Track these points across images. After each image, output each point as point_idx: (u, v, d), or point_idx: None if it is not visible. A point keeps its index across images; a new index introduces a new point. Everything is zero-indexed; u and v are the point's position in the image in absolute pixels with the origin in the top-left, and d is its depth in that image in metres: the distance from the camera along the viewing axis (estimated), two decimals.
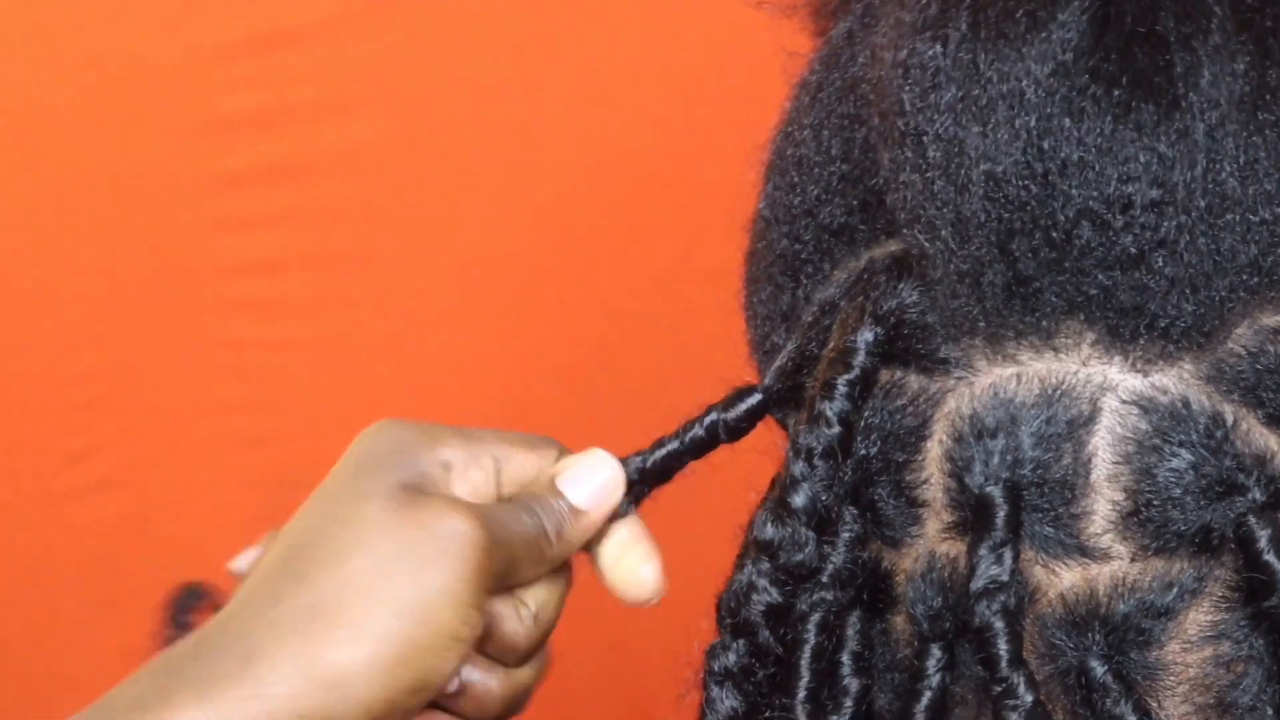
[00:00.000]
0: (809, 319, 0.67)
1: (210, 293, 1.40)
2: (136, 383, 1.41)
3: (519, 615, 0.67)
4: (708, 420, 0.68)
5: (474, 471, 0.67)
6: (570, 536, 0.67)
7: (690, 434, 0.69)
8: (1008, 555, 0.61)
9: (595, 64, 1.36)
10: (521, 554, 0.66)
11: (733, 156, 1.35)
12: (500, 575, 0.65)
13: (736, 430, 0.68)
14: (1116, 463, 0.62)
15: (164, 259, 1.40)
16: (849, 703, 0.65)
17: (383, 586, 0.63)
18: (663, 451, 0.69)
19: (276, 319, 1.40)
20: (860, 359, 0.64)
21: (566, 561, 0.69)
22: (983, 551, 0.61)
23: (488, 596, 0.64)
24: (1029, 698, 0.61)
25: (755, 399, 0.68)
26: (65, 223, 1.41)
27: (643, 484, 0.69)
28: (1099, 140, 0.61)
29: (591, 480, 0.68)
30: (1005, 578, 0.61)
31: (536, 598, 0.68)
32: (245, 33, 1.37)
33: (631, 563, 0.69)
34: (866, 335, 0.64)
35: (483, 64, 1.37)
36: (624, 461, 0.69)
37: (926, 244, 0.63)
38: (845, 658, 0.65)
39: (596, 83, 1.36)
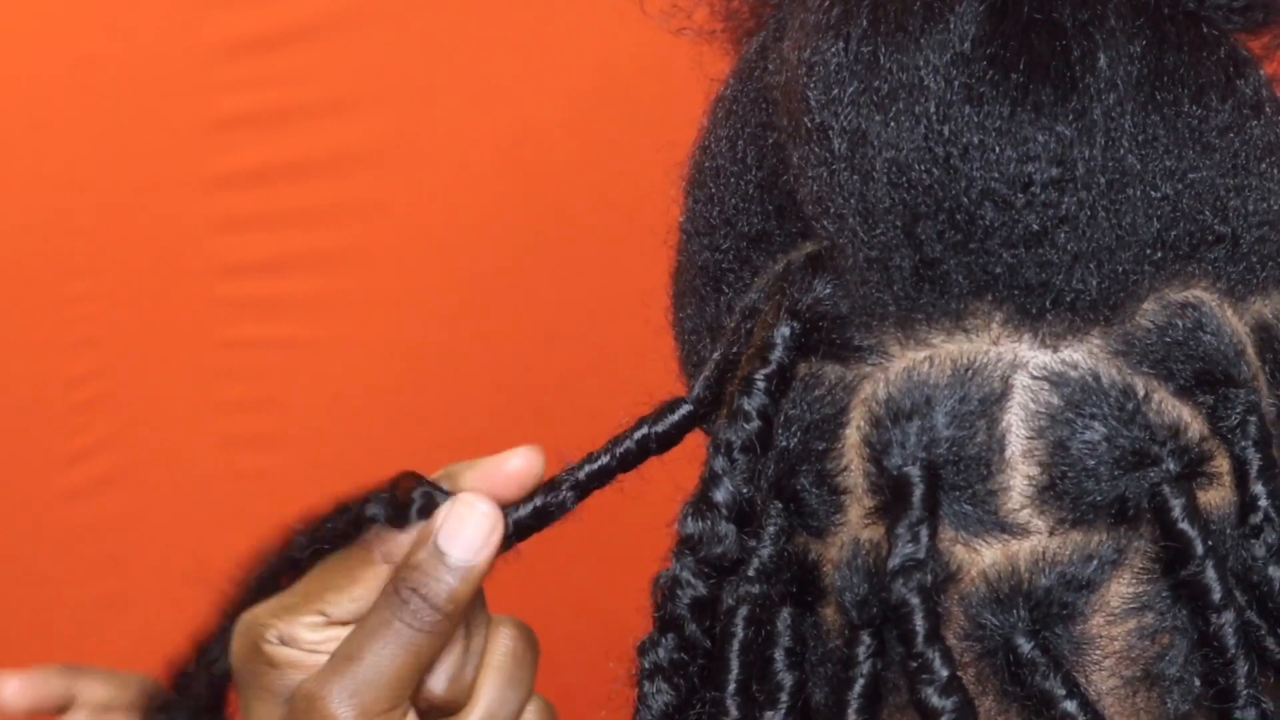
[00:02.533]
0: (732, 325, 0.68)
1: (210, 293, 1.40)
2: (136, 383, 1.41)
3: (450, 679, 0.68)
4: (638, 434, 0.69)
5: (306, 634, 0.67)
6: (458, 596, 0.68)
7: (621, 448, 0.69)
8: (924, 533, 0.62)
9: (595, 64, 1.36)
10: (396, 667, 0.66)
11: None
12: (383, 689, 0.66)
13: (666, 441, 0.69)
14: (1030, 438, 0.62)
15: (164, 259, 1.40)
16: (784, 698, 0.65)
17: None
18: (594, 466, 0.70)
19: (276, 319, 1.40)
20: (777, 354, 0.65)
21: (478, 611, 0.70)
22: (899, 530, 0.62)
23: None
24: (944, 672, 0.61)
25: (684, 410, 0.69)
26: (65, 222, 1.41)
27: (577, 499, 0.70)
28: (998, 123, 0.63)
29: (465, 531, 0.68)
30: (921, 555, 0.62)
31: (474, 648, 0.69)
32: (245, 33, 1.37)
33: None
34: (783, 330, 0.65)
35: (483, 64, 1.37)
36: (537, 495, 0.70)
37: (835, 234, 0.64)
38: (778, 654, 0.65)
39: (597, 83, 1.36)
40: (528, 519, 0.70)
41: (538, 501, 0.70)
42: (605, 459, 0.69)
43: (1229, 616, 0.62)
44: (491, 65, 1.37)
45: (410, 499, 0.68)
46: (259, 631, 0.66)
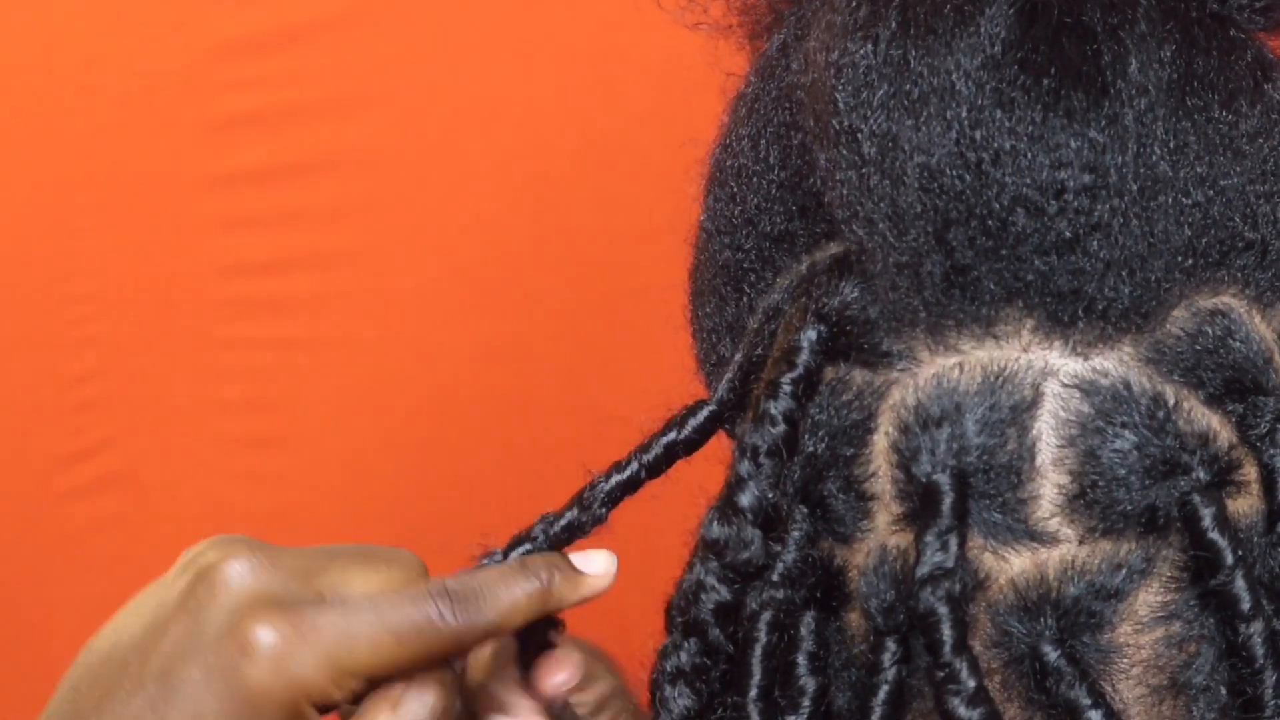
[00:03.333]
0: (754, 326, 0.68)
1: (210, 293, 1.40)
2: (136, 383, 1.41)
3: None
4: (664, 440, 0.69)
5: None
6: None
7: (648, 456, 0.69)
8: (953, 542, 0.62)
9: (595, 64, 1.36)
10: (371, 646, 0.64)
11: None
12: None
13: (691, 445, 0.69)
14: (1061, 446, 0.62)
15: (164, 259, 1.40)
16: (806, 703, 0.65)
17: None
18: (623, 477, 0.69)
19: (277, 319, 1.40)
20: (804, 357, 0.65)
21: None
22: (928, 539, 0.62)
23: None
24: (971, 683, 0.61)
25: (708, 412, 0.69)
26: (65, 222, 1.41)
27: (609, 510, 0.70)
28: (1030, 129, 0.62)
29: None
30: (950, 564, 0.62)
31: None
32: (245, 33, 1.37)
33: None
34: (810, 334, 0.65)
35: (482, 64, 1.37)
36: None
37: (865, 239, 0.64)
38: (801, 658, 0.65)
39: (597, 82, 1.36)
40: (561, 535, 0.70)
41: (571, 518, 0.70)
42: (633, 468, 0.69)
43: (1258, 626, 0.62)
44: (491, 65, 1.37)
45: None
46: (300, 694, 0.65)
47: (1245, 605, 0.62)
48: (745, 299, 0.69)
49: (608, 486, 0.69)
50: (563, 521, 0.69)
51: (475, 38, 1.37)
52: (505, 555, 0.69)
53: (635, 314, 1.37)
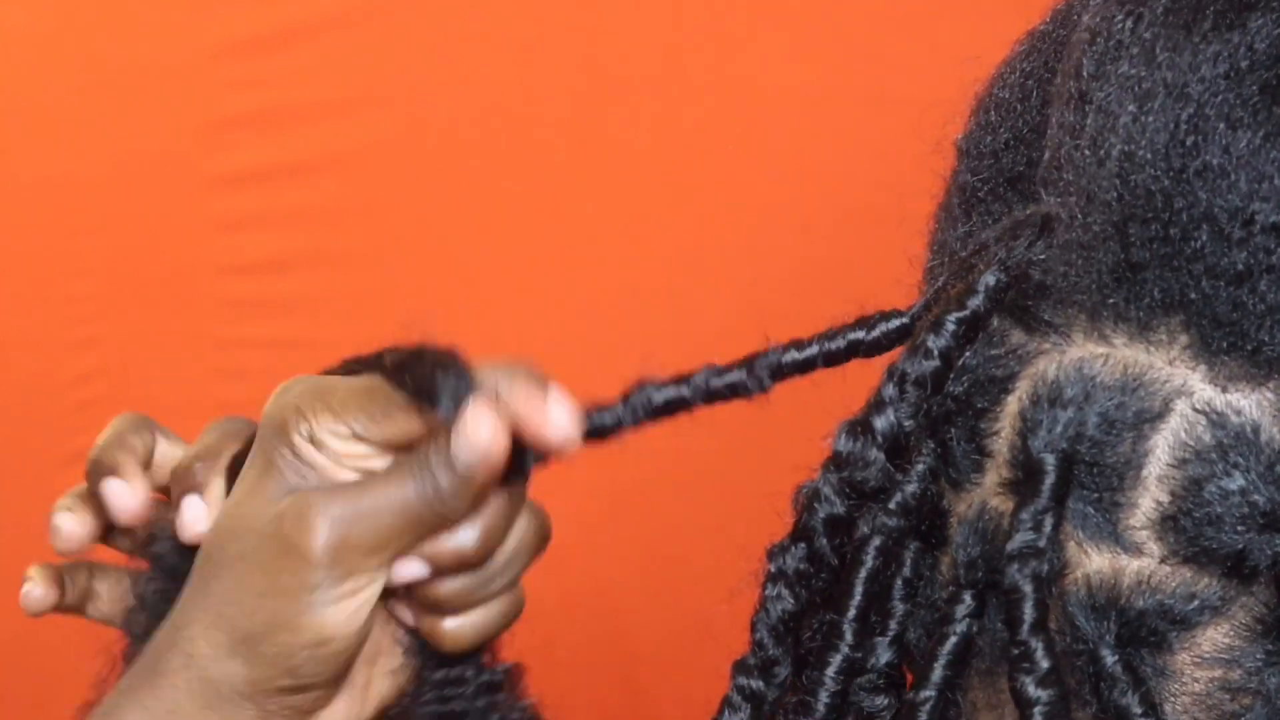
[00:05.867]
0: (963, 256, 0.68)
1: (210, 293, 1.40)
2: (136, 383, 1.41)
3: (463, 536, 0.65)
4: (850, 336, 0.68)
5: (331, 440, 0.64)
6: (462, 493, 0.65)
7: (831, 344, 0.68)
8: (1047, 523, 0.62)
9: (595, 63, 1.36)
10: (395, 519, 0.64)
11: (732, 157, 1.35)
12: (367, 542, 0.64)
13: (874, 348, 0.68)
14: (1171, 465, 0.62)
15: (164, 259, 1.40)
16: (894, 625, 0.66)
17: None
18: (801, 355, 0.68)
19: (277, 319, 1.40)
20: (976, 301, 0.65)
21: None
22: (1024, 515, 0.62)
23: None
24: (1045, 664, 0.61)
25: (897, 324, 0.68)
26: (65, 222, 1.41)
27: (773, 382, 0.67)
28: (1244, 151, 0.61)
29: (475, 439, 0.64)
30: (1041, 544, 0.62)
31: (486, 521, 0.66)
32: (245, 33, 1.37)
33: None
34: (989, 279, 0.65)
35: (483, 64, 1.37)
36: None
37: (1058, 205, 0.64)
38: (898, 582, 0.66)
39: (596, 82, 1.36)
40: (722, 390, 0.67)
41: (736, 377, 0.67)
42: (812, 350, 0.68)
43: None
44: (491, 65, 1.37)
45: (438, 387, 0.66)
46: (290, 417, 0.65)
47: None
48: (970, 226, 0.69)
49: (782, 359, 0.68)
50: (726, 379, 0.67)
51: (475, 38, 1.37)
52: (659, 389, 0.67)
53: (635, 313, 1.37)
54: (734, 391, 0.67)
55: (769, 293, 1.29)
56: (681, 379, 0.67)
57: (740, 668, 0.67)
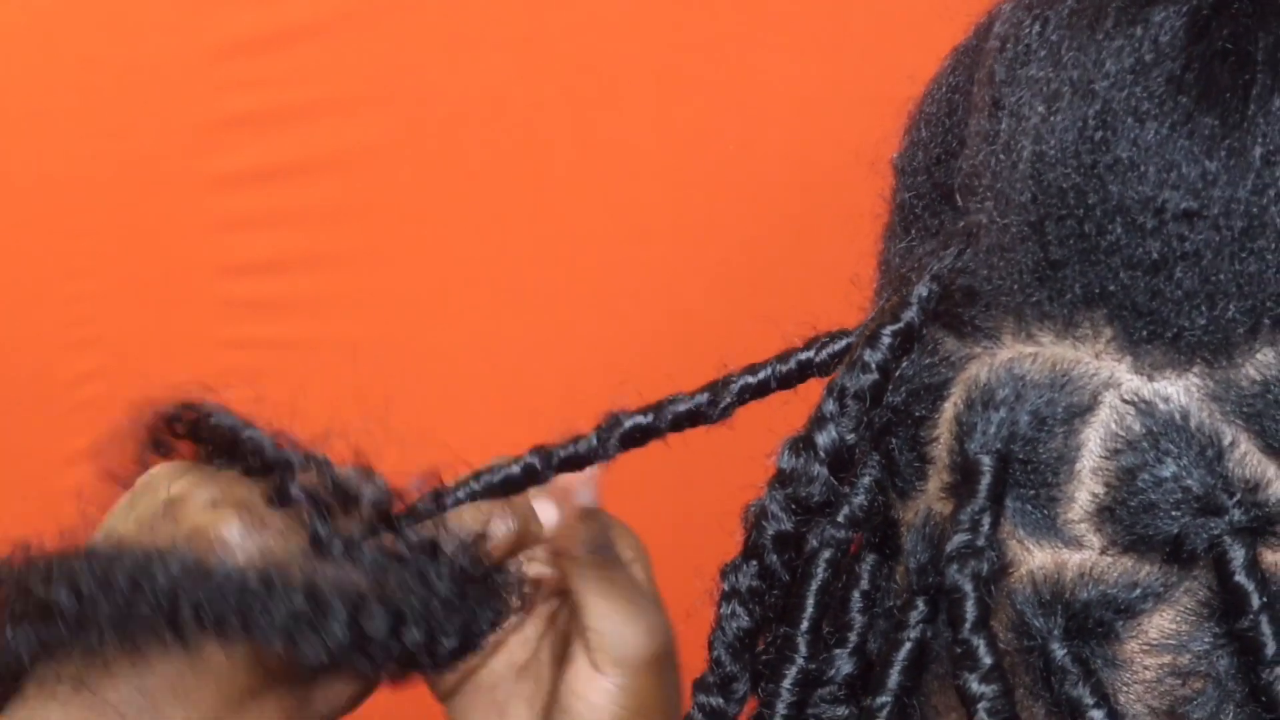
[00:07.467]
0: (901, 272, 0.68)
1: (210, 293, 1.40)
2: (136, 383, 1.41)
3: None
4: (800, 357, 0.70)
5: None
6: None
7: (783, 366, 0.70)
8: (985, 522, 0.63)
9: (595, 64, 1.36)
10: None
11: (731, 155, 1.35)
12: None
13: (824, 369, 0.70)
14: (1103, 457, 0.62)
15: (164, 258, 1.40)
16: (853, 637, 0.66)
17: None
18: (755, 379, 0.70)
19: (277, 319, 1.40)
20: (910, 314, 0.66)
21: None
22: (962, 516, 0.63)
23: None
24: (987, 661, 0.62)
25: (844, 343, 0.69)
26: (65, 222, 1.41)
27: (735, 407, 0.70)
28: (1151, 143, 0.62)
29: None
30: (979, 544, 0.63)
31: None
32: (245, 33, 1.37)
33: None
34: (920, 291, 0.66)
35: (483, 64, 1.37)
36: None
37: (975, 211, 0.65)
38: (856, 594, 0.67)
39: (597, 82, 1.36)
40: (683, 418, 0.70)
41: (697, 403, 0.70)
42: (765, 373, 0.70)
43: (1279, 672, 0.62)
44: (491, 65, 1.37)
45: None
46: None
47: (1269, 650, 0.61)
48: (909, 243, 0.69)
49: (737, 385, 0.70)
50: (687, 405, 0.70)
51: (475, 38, 1.37)
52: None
53: (634, 313, 1.37)
54: (695, 419, 0.70)
55: (769, 293, 1.29)
56: (648, 408, 0.70)
57: (700, 685, 0.68)
